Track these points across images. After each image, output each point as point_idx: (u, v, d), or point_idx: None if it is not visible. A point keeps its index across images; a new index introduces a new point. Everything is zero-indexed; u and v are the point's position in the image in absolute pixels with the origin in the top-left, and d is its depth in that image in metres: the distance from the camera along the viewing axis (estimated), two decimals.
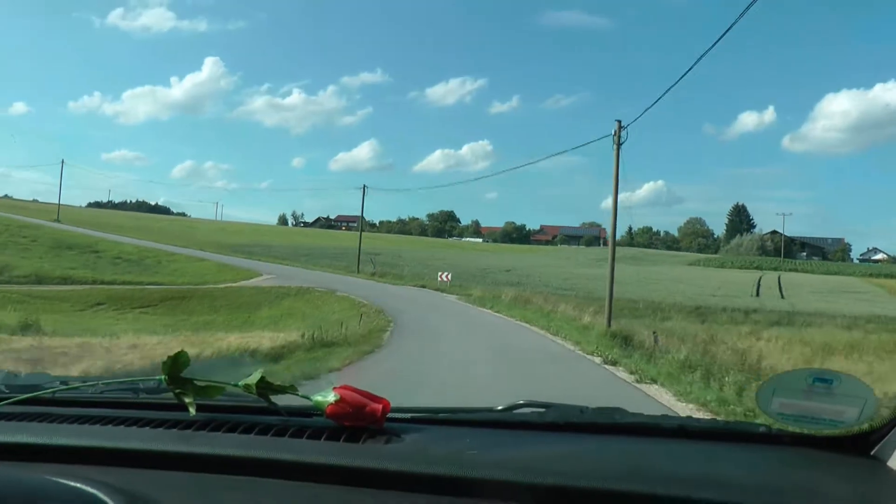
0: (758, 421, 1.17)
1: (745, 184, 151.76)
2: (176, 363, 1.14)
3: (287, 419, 1.12)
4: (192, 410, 1.11)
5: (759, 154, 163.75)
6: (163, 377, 1.15)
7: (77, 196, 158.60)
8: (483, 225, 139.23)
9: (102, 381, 1.39)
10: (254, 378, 1.16)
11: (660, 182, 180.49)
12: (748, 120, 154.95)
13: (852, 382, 1.03)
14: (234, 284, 27.77)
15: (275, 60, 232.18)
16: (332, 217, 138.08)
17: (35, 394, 1.27)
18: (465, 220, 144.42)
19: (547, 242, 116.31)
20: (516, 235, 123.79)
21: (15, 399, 1.23)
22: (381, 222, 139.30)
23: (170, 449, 0.98)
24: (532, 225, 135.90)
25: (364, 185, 31.30)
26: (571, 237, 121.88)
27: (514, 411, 1.17)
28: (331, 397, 1.08)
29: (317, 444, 0.99)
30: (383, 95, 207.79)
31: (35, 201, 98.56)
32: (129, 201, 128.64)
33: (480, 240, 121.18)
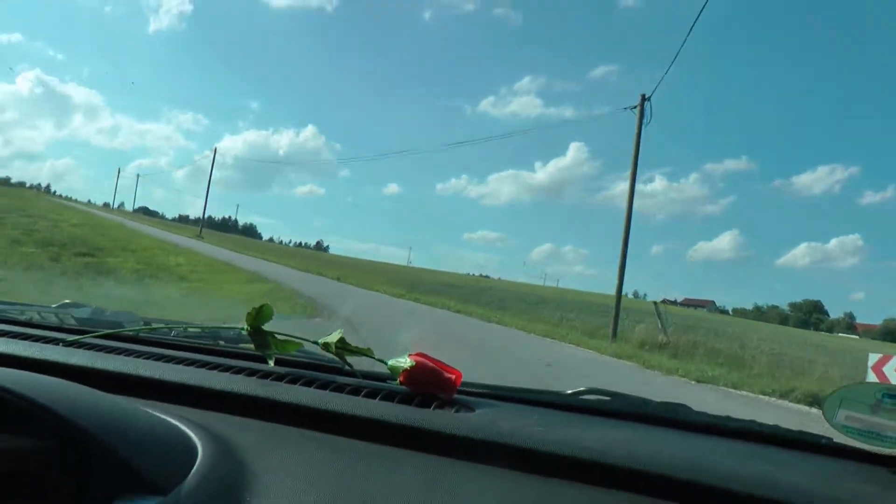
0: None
1: None
2: (259, 315, 1.18)
3: (361, 381, 1.14)
4: (271, 362, 1.15)
5: None
6: (245, 327, 1.19)
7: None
8: (857, 321, 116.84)
9: (185, 325, 1.49)
10: (334, 337, 1.19)
11: None
12: None
13: None
14: None
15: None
16: (679, 300, 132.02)
17: (118, 330, 1.33)
18: (835, 314, 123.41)
19: None
20: None
21: (99, 333, 1.29)
22: (734, 309, 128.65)
23: (250, 393, 1.00)
24: None
25: (643, 96, 19.57)
26: None
27: (580, 397, 1.19)
28: (406, 363, 1.11)
29: (389, 405, 1.00)
30: (747, 183, 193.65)
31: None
32: (469, 274, 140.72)
33: (857, 336, 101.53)
